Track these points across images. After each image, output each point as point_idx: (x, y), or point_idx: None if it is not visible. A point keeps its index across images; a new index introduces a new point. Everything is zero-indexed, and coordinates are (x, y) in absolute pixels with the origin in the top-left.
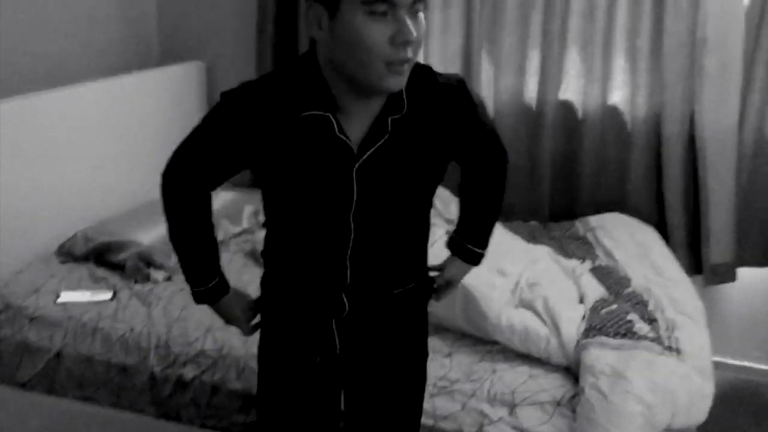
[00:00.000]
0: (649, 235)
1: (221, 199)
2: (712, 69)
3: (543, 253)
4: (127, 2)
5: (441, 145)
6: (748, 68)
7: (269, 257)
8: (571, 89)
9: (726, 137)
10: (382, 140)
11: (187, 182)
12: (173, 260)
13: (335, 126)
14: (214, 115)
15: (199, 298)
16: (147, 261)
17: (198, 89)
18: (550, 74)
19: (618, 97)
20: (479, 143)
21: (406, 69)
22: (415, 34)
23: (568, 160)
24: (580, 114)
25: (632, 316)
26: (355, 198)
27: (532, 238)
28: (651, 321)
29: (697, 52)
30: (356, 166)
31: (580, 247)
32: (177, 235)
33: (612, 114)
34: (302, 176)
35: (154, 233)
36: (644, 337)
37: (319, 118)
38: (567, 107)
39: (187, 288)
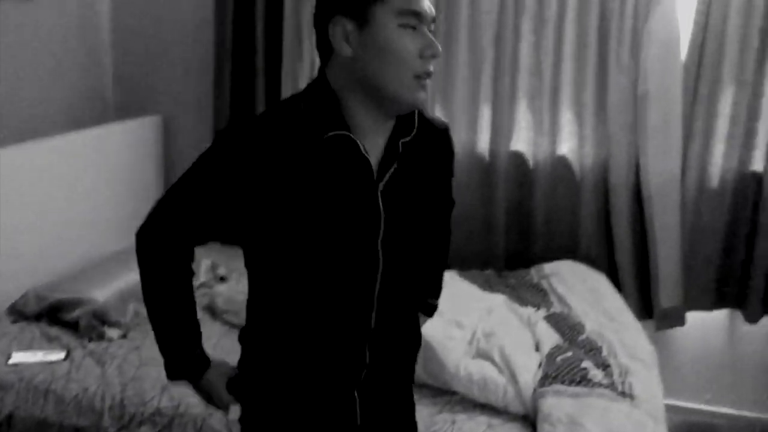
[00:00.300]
0: (600, 282)
1: None
2: (655, 121)
3: (499, 301)
4: (83, 57)
5: (435, 178)
6: (688, 120)
7: (262, 329)
8: (522, 141)
9: (670, 186)
10: (396, 162)
11: (170, 240)
12: (128, 317)
13: (360, 146)
14: (214, 151)
15: (175, 373)
16: (101, 319)
17: (155, 144)
18: (501, 127)
19: (566, 148)
20: (446, 189)
21: (429, 84)
22: (440, 48)
23: (521, 208)
24: (531, 164)
25: (587, 363)
26: (382, 222)
27: (488, 286)
28: (605, 367)
29: (640, 106)
30: (380, 188)
31: (535, 295)
32: (154, 301)
33: (561, 164)
34: (324, 203)
35: (108, 290)
36: (599, 384)
37: (341, 139)
38: (518, 158)
39: (143, 345)
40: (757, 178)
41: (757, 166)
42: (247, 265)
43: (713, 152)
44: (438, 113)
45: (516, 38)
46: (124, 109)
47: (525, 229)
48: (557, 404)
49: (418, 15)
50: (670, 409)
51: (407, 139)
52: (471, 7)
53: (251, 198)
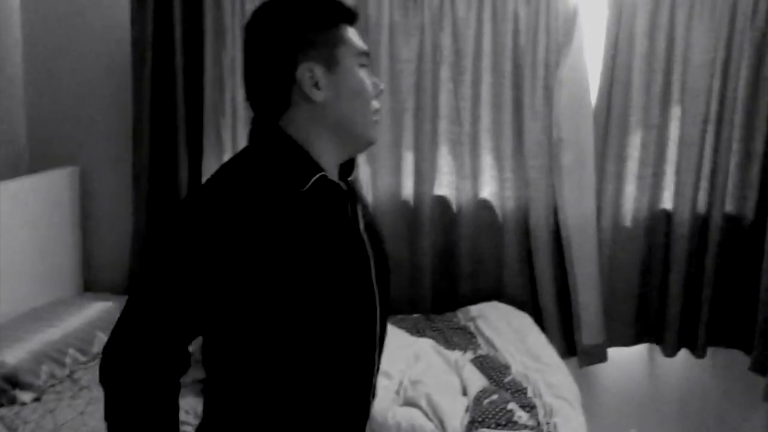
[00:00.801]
0: (525, 322)
1: (94, 308)
2: (569, 165)
3: (426, 346)
4: None
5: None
6: (600, 163)
7: (239, 386)
8: (445, 185)
9: (586, 226)
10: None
11: (151, 353)
12: (42, 379)
13: (342, 188)
14: (179, 233)
15: None
16: (12, 382)
17: (71, 196)
18: (424, 172)
19: (488, 191)
20: None
21: None
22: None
23: (447, 252)
24: (454, 208)
25: (512, 405)
26: (372, 262)
27: (416, 330)
28: (530, 408)
29: (554, 150)
30: (361, 227)
31: (462, 337)
32: None
33: (484, 207)
34: (318, 256)
35: (20, 351)
36: (524, 426)
37: (322, 186)
38: (442, 202)
39: (57, 408)
40: (668, 215)
41: (667, 204)
42: (210, 346)
43: (625, 192)
44: (362, 160)
45: (435, 86)
46: (38, 161)
47: (451, 271)
48: None
49: (368, 55)
50: None
51: (352, 176)
52: (390, 57)
53: (235, 275)
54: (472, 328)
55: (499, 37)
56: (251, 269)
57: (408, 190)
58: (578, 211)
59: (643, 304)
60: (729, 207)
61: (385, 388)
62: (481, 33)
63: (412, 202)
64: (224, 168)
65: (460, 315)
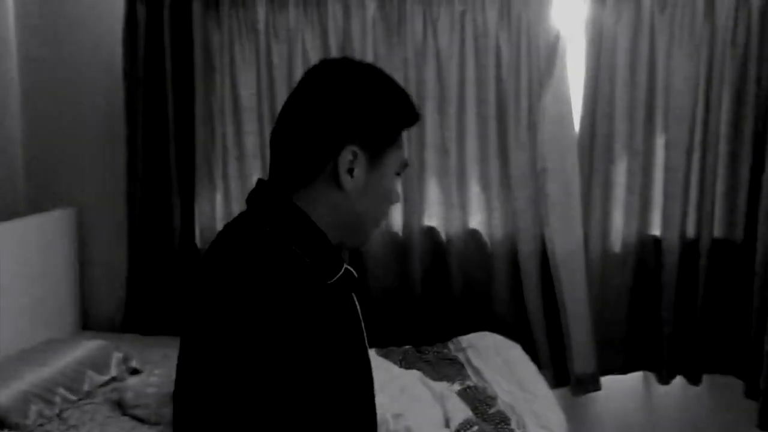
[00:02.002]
0: (515, 352)
1: (85, 347)
2: (555, 194)
3: (413, 378)
4: None
5: None
6: (586, 191)
7: None
8: (434, 216)
9: (575, 254)
10: None
11: None
12: (31, 419)
13: (356, 281)
14: (288, 335)
15: None
16: (1, 422)
17: (68, 236)
18: (413, 203)
19: (476, 221)
20: None
21: None
22: None
23: (437, 282)
24: (444, 238)
25: None
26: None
27: (405, 362)
28: None
29: (540, 180)
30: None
31: (451, 368)
32: None
33: (473, 237)
34: (347, 351)
35: (10, 390)
36: None
37: (345, 279)
38: (431, 232)
39: None
40: (656, 241)
41: (655, 230)
42: None
43: (613, 219)
44: None
45: (421, 118)
46: (36, 203)
47: (442, 302)
48: None
49: (407, 166)
50: None
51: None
52: None
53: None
54: (462, 359)
55: (482, 69)
56: (311, 365)
57: (397, 221)
58: (566, 239)
59: (635, 331)
60: (717, 232)
61: None
62: (464, 65)
63: (401, 232)
64: (268, 256)
65: (451, 346)
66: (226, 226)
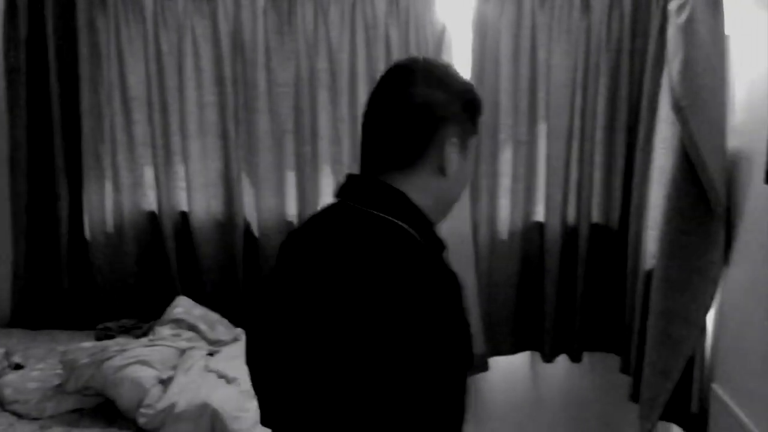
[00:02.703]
0: None
1: None
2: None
3: None
4: None
5: None
6: (474, 180)
7: None
8: None
9: (463, 241)
10: None
11: None
12: None
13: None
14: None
15: None
16: None
17: None
18: (307, 192)
19: None
20: None
21: None
22: None
23: None
24: None
25: None
26: None
27: None
28: None
29: None
30: None
31: None
32: None
33: None
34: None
35: None
36: None
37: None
38: None
39: None
40: (541, 227)
41: (539, 216)
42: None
43: (500, 207)
44: (244, 182)
45: (313, 108)
46: None
47: None
48: None
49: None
50: None
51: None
52: (268, 81)
53: None
54: None
55: (373, 60)
56: None
57: (291, 209)
58: (455, 226)
59: (522, 313)
60: (596, 217)
61: (250, 410)
62: (355, 56)
63: (295, 222)
64: (388, 241)
65: None
66: (324, 217)
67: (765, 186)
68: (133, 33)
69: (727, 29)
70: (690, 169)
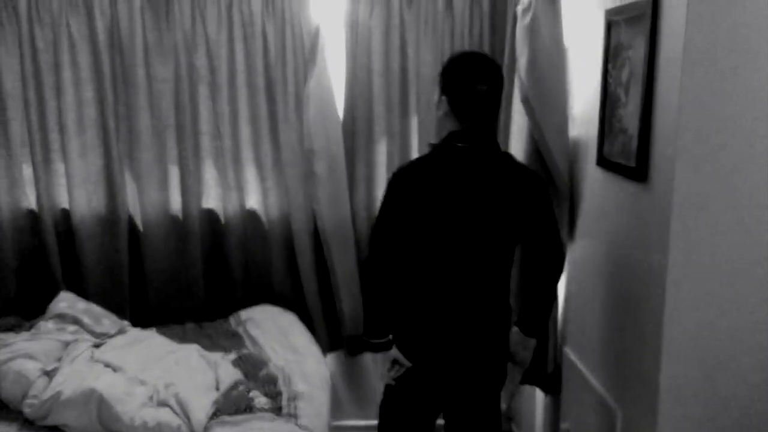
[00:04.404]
0: (290, 321)
1: None
2: (323, 173)
3: (190, 351)
4: None
5: None
6: (351, 170)
7: None
8: (213, 198)
9: (343, 228)
10: None
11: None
12: None
13: None
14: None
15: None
16: None
17: None
18: (190, 186)
19: (254, 201)
20: None
21: None
22: None
23: (218, 262)
24: (222, 219)
25: (254, 393)
26: None
27: (185, 338)
28: (275, 395)
29: (309, 160)
30: None
31: (229, 340)
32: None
33: (251, 217)
34: None
35: None
36: (261, 409)
37: None
38: (211, 214)
39: None
40: None
41: None
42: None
43: (377, 195)
44: (126, 176)
45: (194, 104)
46: None
47: (223, 280)
48: None
49: None
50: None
51: None
52: (147, 76)
53: None
54: (241, 331)
55: (251, 56)
56: None
57: (176, 203)
58: (334, 215)
59: None
60: None
61: (136, 394)
62: (233, 52)
63: (180, 215)
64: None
65: (232, 320)
66: (462, 152)
67: (597, 168)
68: (8, 30)
69: (566, 35)
70: (538, 155)
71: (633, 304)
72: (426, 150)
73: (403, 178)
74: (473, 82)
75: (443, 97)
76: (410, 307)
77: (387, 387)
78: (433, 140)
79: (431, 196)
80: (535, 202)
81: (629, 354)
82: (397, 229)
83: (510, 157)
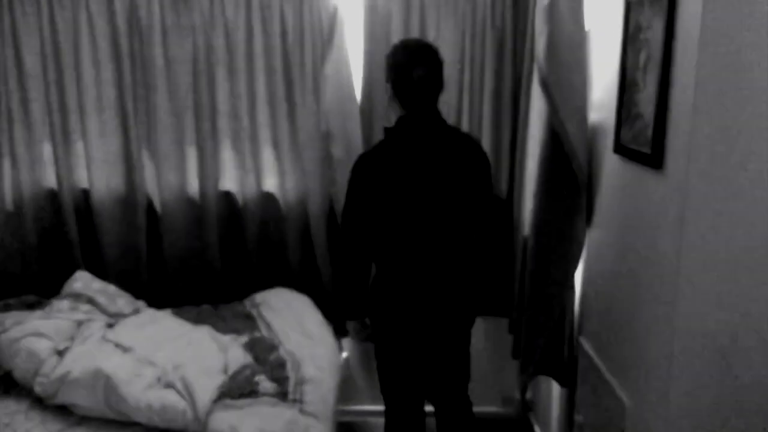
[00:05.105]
0: (304, 304)
1: None
2: (339, 156)
3: (202, 333)
4: None
5: None
6: None
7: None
8: (230, 180)
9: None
10: None
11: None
12: None
13: None
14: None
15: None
16: None
17: None
18: (208, 168)
19: (270, 184)
20: None
21: None
22: None
23: (234, 244)
24: (240, 202)
25: (259, 377)
26: None
27: (199, 320)
28: (282, 380)
29: (326, 143)
30: None
31: (243, 323)
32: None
33: (268, 199)
34: None
35: None
36: (266, 394)
37: None
38: (228, 197)
39: None
40: None
41: None
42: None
43: None
44: (144, 158)
45: (212, 85)
46: None
47: (240, 263)
48: (223, 417)
49: None
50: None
51: None
52: (165, 58)
53: None
54: (255, 314)
55: (269, 38)
56: None
57: (193, 186)
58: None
59: None
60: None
61: (144, 375)
62: (251, 34)
63: (198, 197)
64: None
65: (247, 303)
66: (414, 134)
67: (614, 155)
68: (28, 10)
69: (587, 16)
70: (556, 141)
71: (646, 293)
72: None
73: (364, 164)
74: (410, 68)
75: (387, 84)
76: (384, 279)
77: (380, 368)
78: (386, 124)
79: (392, 177)
80: (479, 166)
81: (641, 345)
82: (365, 211)
83: (456, 131)
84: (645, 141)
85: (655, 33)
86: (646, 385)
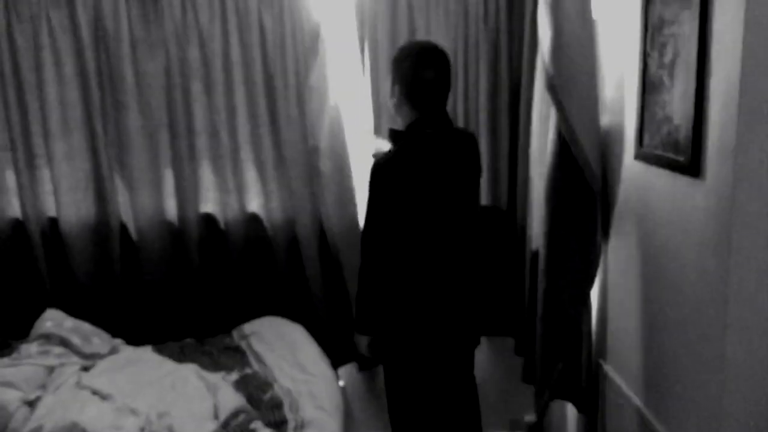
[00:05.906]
0: (298, 334)
1: None
2: (328, 171)
3: (188, 372)
4: None
5: None
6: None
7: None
8: (210, 202)
9: (351, 229)
10: None
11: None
12: None
13: None
14: None
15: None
16: None
17: None
18: (186, 190)
19: (254, 204)
20: None
21: None
22: None
23: (218, 271)
24: (222, 224)
25: (255, 425)
26: None
27: (183, 356)
28: (280, 424)
29: (313, 158)
30: None
31: (231, 358)
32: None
33: (252, 221)
34: None
35: None
36: None
37: None
38: (209, 219)
39: None
40: None
41: None
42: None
43: None
44: (117, 181)
45: (187, 100)
46: None
47: (222, 290)
48: None
49: None
50: None
51: None
52: (135, 72)
53: None
54: (244, 347)
55: (247, 48)
56: None
57: (171, 209)
58: (342, 215)
59: None
60: (485, 199)
61: (125, 427)
62: (228, 43)
63: (176, 221)
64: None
65: (235, 334)
66: (448, 131)
67: (635, 162)
68: None
69: (595, 10)
70: (566, 148)
71: (684, 315)
72: (386, 135)
73: (389, 171)
74: (422, 70)
75: (395, 87)
76: (408, 293)
77: (390, 397)
78: (393, 126)
79: (419, 184)
80: (478, 168)
81: (680, 373)
82: (392, 224)
83: (461, 132)
84: (677, 146)
85: (682, 27)
86: (690, 418)
